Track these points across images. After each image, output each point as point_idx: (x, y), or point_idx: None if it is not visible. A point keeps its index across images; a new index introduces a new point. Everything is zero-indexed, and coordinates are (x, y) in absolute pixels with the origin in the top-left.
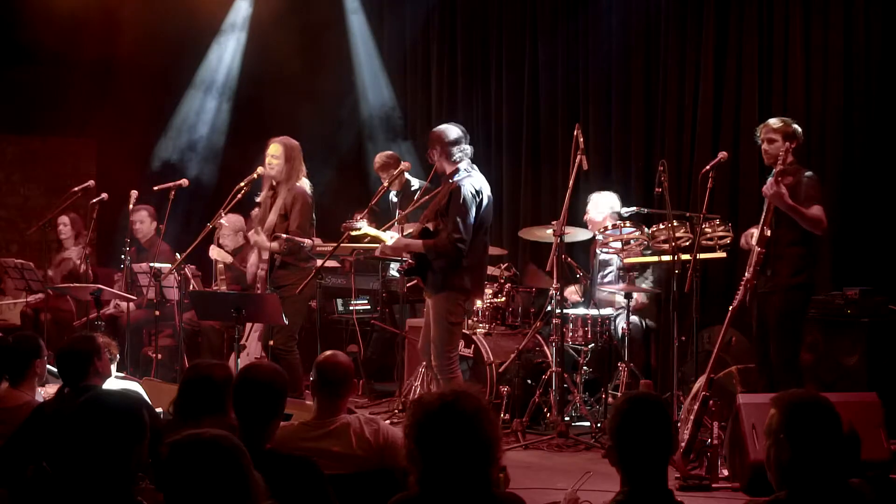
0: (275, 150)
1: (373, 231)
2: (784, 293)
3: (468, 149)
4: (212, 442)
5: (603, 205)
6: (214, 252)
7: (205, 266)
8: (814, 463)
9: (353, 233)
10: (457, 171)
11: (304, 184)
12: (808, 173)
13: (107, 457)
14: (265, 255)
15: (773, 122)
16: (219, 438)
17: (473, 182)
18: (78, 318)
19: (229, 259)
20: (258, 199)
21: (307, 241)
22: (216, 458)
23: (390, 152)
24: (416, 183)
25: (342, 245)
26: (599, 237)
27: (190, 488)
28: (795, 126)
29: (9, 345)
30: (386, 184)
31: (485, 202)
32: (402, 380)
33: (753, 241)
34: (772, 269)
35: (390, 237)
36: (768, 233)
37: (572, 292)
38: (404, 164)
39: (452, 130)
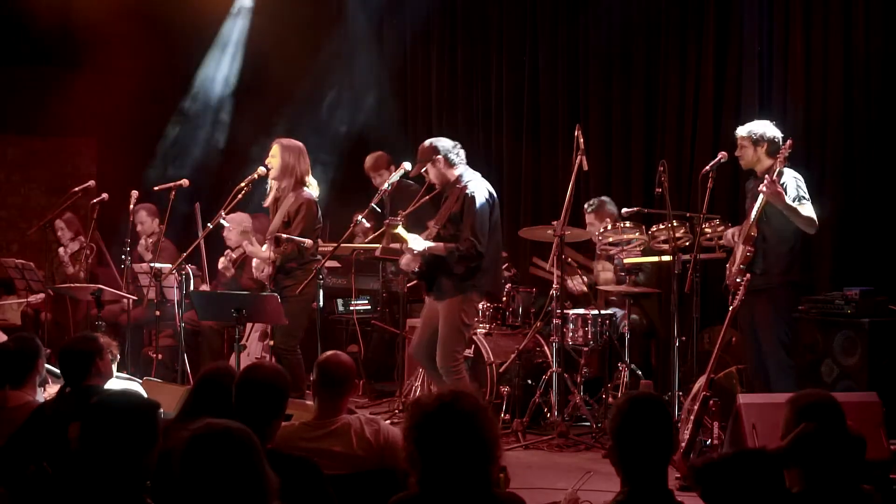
0: (273, 150)
1: (403, 233)
2: (775, 291)
3: (463, 152)
4: (226, 432)
5: (602, 212)
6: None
7: (208, 266)
8: (812, 466)
9: (394, 231)
10: (461, 175)
11: (312, 189)
12: (788, 172)
13: (118, 460)
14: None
15: (740, 130)
16: (232, 429)
17: (485, 185)
18: (77, 318)
19: (231, 272)
20: (265, 205)
21: (307, 241)
22: (232, 447)
23: (379, 153)
24: (412, 184)
25: (342, 245)
26: (600, 237)
27: (206, 477)
28: (765, 130)
29: (10, 349)
30: (386, 185)
31: (494, 204)
32: (402, 380)
33: (739, 240)
34: (762, 268)
35: (413, 239)
36: (754, 232)
37: (577, 283)
38: (405, 165)
39: (444, 139)
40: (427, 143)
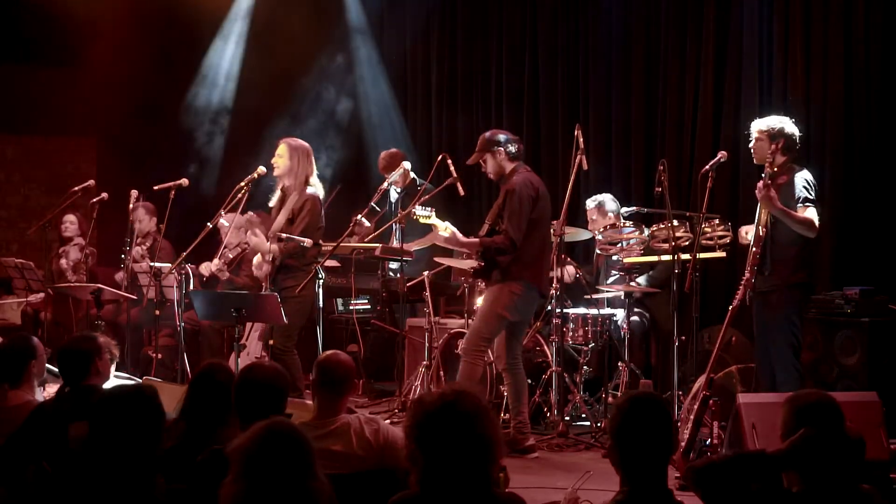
0: (281, 149)
1: (434, 220)
2: (783, 292)
3: (517, 146)
4: (290, 431)
5: (598, 206)
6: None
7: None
8: (811, 468)
9: (422, 220)
10: (514, 170)
11: (316, 188)
12: (801, 172)
13: (131, 447)
14: (269, 256)
15: (760, 122)
16: (295, 428)
17: (530, 180)
18: (76, 318)
19: (225, 275)
20: (271, 206)
21: (307, 241)
22: (294, 446)
23: (393, 150)
24: (423, 183)
25: (342, 245)
26: (600, 237)
27: (268, 474)
28: (784, 126)
29: (2, 348)
30: (385, 184)
31: (540, 197)
32: (402, 380)
33: (749, 240)
34: (770, 269)
35: (444, 228)
36: (763, 232)
37: (570, 275)
38: (406, 164)
39: (498, 132)
40: (488, 134)
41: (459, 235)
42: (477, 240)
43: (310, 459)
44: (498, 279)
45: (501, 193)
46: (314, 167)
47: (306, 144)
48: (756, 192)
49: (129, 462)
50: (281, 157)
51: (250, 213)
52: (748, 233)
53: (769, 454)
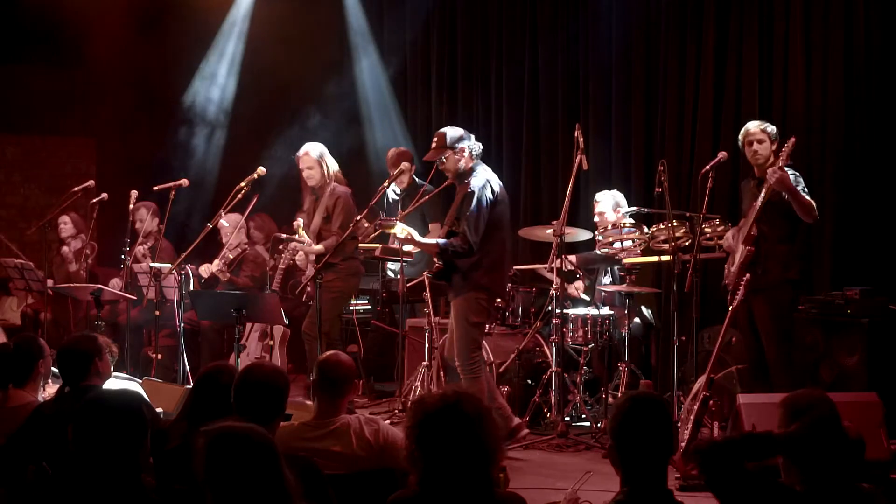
0: (305, 161)
1: (396, 228)
2: (774, 290)
3: (478, 145)
4: (245, 435)
5: (613, 202)
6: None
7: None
8: (811, 463)
9: (390, 231)
10: (472, 170)
11: (340, 181)
12: (791, 171)
13: (114, 454)
14: (312, 257)
15: (758, 124)
16: (252, 431)
17: (489, 181)
18: (76, 318)
19: (226, 276)
20: (305, 209)
21: (307, 241)
22: (253, 450)
23: (402, 149)
24: (424, 185)
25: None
26: (600, 237)
27: (228, 480)
28: (774, 127)
29: (10, 351)
30: (386, 184)
31: (499, 200)
32: (402, 380)
33: (739, 240)
34: (762, 268)
35: (401, 230)
36: (755, 231)
37: (578, 289)
38: (405, 165)
39: (459, 129)
40: (448, 130)
41: (417, 236)
42: (434, 241)
43: (267, 462)
44: (461, 289)
45: (459, 194)
46: (333, 160)
47: (319, 146)
48: (768, 174)
49: (111, 466)
50: (311, 169)
51: (241, 221)
52: (732, 236)
53: (776, 435)
